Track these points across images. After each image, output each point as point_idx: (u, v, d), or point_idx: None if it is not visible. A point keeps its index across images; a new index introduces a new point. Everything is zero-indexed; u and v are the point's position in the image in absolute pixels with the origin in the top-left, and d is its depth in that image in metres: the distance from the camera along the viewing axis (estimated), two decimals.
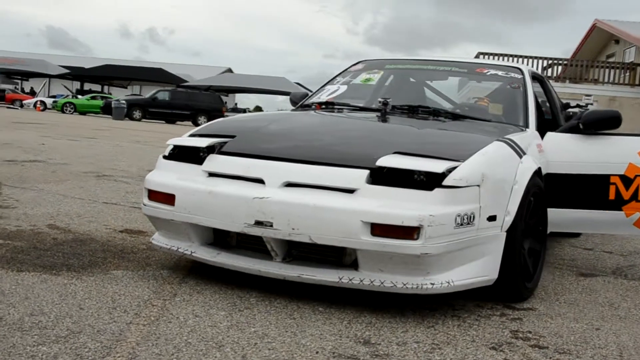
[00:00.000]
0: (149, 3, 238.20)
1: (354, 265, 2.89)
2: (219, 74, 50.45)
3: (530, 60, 25.15)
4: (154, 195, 3.17)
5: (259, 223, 2.87)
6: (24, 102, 38.91)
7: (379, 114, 3.88)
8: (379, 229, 2.72)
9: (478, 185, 2.88)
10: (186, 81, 43.45)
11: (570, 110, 5.47)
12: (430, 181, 2.83)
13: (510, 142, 3.32)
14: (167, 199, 3.10)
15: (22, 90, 48.41)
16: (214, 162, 3.14)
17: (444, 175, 2.81)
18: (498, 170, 3.07)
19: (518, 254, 3.14)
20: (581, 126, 3.97)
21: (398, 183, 2.84)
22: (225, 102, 39.05)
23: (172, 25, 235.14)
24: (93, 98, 37.35)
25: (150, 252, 3.71)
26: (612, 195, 3.88)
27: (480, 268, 2.99)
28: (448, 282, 2.85)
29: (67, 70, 47.10)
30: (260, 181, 2.97)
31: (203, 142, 3.22)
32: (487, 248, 2.99)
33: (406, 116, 3.92)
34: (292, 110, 4.55)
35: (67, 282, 3.03)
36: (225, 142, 3.25)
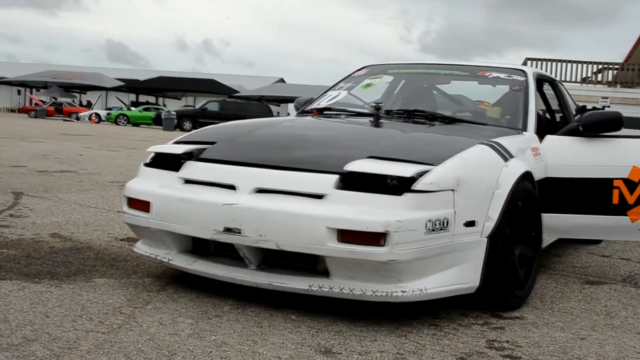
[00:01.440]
0: (205, 15, 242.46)
1: (326, 272, 2.82)
2: (271, 84, 50.85)
3: (581, 65, 24.59)
4: (132, 203, 3.17)
5: (228, 230, 2.83)
6: (79, 114, 40.03)
7: (371, 118, 3.81)
8: (345, 236, 2.65)
9: (452, 190, 2.79)
10: (238, 92, 43.94)
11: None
12: (401, 186, 2.75)
13: (495, 145, 3.20)
14: (144, 206, 3.09)
15: (80, 104, 49.76)
16: (190, 168, 3.13)
17: (413, 179, 2.72)
18: (477, 174, 2.96)
19: (503, 261, 3.02)
20: (581, 128, 3.81)
21: (369, 188, 2.77)
22: (278, 113, 39.23)
23: (227, 37, 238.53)
24: (146, 110, 38.12)
25: (140, 260, 3.71)
26: (615, 200, 3.72)
27: (459, 275, 2.89)
28: (421, 290, 2.76)
29: (122, 83, 48.30)
30: (232, 187, 2.94)
31: (179, 149, 3.21)
32: (466, 255, 2.89)
33: (400, 120, 3.84)
34: (296, 115, 4.52)
35: (45, 290, 3.05)
36: (204, 149, 3.24)
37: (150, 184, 3.17)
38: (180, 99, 51.17)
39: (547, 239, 4.07)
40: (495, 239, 2.97)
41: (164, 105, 46.08)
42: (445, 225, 2.76)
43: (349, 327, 2.79)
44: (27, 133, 17.55)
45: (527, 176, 3.27)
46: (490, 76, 4.31)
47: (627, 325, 3.12)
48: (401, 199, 2.69)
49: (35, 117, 38.30)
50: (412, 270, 2.72)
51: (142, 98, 50.05)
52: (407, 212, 2.67)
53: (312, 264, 2.88)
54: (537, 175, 3.53)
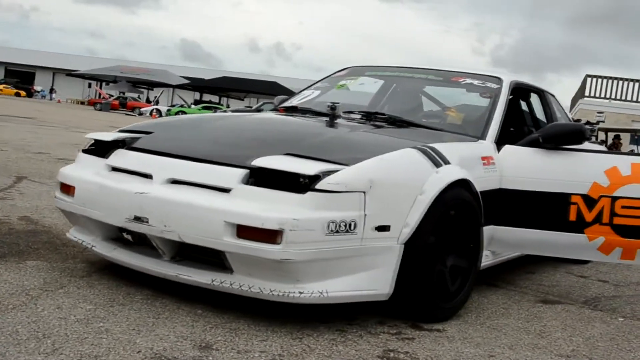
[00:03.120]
0: (278, 19, 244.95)
1: (231, 268, 2.79)
2: None
3: None
4: (62, 187, 3.22)
5: (137, 219, 2.83)
6: (142, 109, 41.02)
7: (327, 118, 3.75)
8: (243, 231, 2.61)
9: (363, 192, 2.71)
10: None
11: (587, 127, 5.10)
12: (310, 184, 2.69)
13: (427, 150, 3.10)
14: (70, 190, 3.13)
15: (147, 100, 50.95)
16: (118, 156, 3.15)
17: (318, 178, 2.67)
18: (396, 177, 2.88)
19: (423, 270, 2.92)
20: (541, 140, 3.65)
21: (280, 185, 2.72)
22: None
23: (299, 41, 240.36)
24: (205, 108, 38.72)
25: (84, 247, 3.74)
26: (572, 217, 3.55)
27: (368, 281, 2.81)
28: (321, 292, 2.69)
29: (187, 81, 49.20)
30: (149, 177, 2.94)
31: (110, 137, 3.24)
32: (377, 260, 2.80)
33: (353, 122, 3.76)
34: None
35: None
36: (138, 138, 3.25)
37: (80, 169, 3.21)
38: (243, 100, 51.70)
39: (506, 254, 3.94)
40: (413, 247, 2.87)
41: (228, 105, 46.66)
42: (351, 228, 2.68)
43: (249, 325, 2.75)
44: (76, 123, 18.08)
45: (463, 184, 3.16)
46: (463, 82, 4.20)
47: (553, 346, 2.97)
48: (303, 197, 2.64)
49: (100, 109, 39.51)
50: (312, 271, 2.66)
51: (207, 97, 50.77)
52: (307, 211, 2.61)
53: (221, 259, 2.84)
54: (485, 186, 3.41)
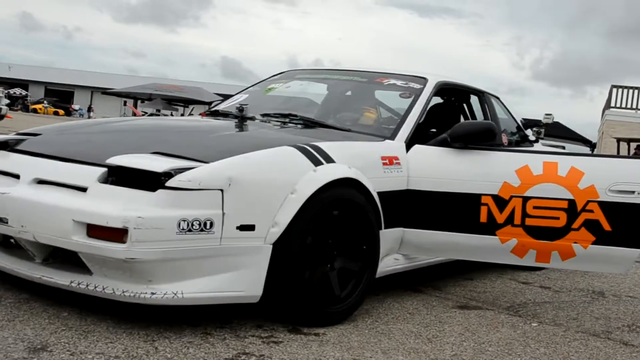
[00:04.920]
0: (317, 36, 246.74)
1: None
2: None
3: None
4: None
5: None
6: None
7: (236, 120, 3.70)
8: (92, 230, 2.55)
9: (221, 190, 2.63)
10: None
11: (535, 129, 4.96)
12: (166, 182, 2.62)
13: (307, 148, 3.00)
14: None
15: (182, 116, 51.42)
16: None
17: (170, 175, 2.59)
18: (262, 175, 2.78)
19: (296, 272, 2.82)
20: (449, 139, 3.52)
21: (136, 184, 2.65)
22: None
23: (338, 57, 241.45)
24: None
25: None
26: (483, 218, 3.40)
27: (231, 282, 2.71)
28: (175, 294, 2.60)
29: (221, 98, 49.63)
30: (17, 177, 2.91)
31: None
32: (242, 260, 2.71)
33: (265, 123, 3.70)
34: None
35: None
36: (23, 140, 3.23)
37: None
38: None
39: (424, 258, 3.79)
40: (284, 247, 2.77)
41: None
42: (208, 227, 2.60)
43: (109, 327, 2.68)
44: None
45: (348, 183, 3.04)
46: (387, 83, 4.10)
47: (434, 351, 2.84)
48: (153, 195, 2.57)
49: None
50: (164, 271, 2.58)
51: None
52: (155, 209, 2.54)
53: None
54: (387, 186, 3.30)
